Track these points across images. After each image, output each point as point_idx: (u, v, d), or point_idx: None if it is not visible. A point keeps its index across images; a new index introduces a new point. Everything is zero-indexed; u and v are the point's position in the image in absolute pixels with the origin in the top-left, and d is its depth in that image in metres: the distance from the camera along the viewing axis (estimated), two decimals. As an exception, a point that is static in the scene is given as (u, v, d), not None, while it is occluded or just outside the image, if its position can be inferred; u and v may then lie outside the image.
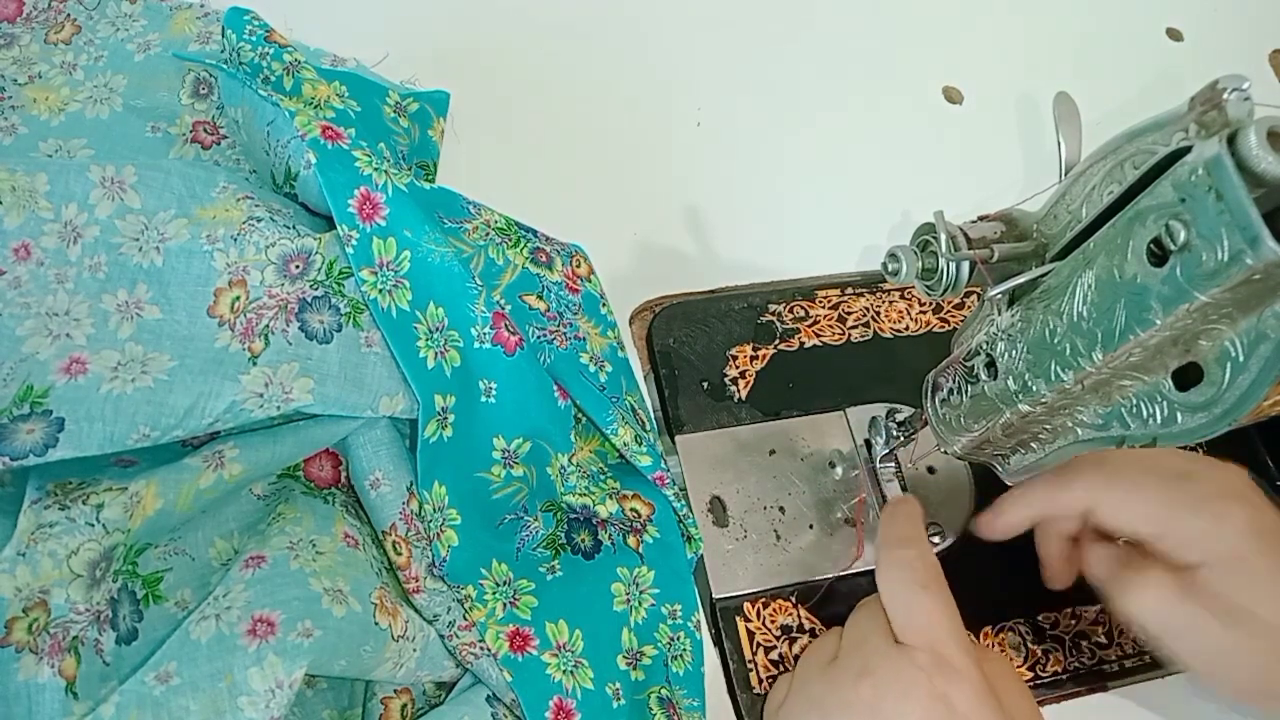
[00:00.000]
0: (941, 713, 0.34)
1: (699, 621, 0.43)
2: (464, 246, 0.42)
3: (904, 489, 0.47)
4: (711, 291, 0.52)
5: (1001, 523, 0.42)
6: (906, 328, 0.53)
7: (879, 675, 0.36)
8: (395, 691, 0.39)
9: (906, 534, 0.40)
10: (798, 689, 0.40)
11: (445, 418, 0.40)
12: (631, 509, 0.43)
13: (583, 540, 0.43)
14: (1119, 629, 0.47)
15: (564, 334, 0.43)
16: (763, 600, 0.44)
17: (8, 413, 0.32)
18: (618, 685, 0.40)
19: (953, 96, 0.63)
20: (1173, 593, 0.37)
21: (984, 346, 0.36)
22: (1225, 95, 0.26)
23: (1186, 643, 0.37)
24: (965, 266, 0.33)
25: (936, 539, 0.46)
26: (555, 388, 0.42)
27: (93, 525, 0.32)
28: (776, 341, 0.51)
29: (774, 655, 0.43)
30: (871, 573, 0.45)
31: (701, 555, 0.44)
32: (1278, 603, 0.35)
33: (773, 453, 0.48)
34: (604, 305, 0.48)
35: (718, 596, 0.44)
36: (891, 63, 0.63)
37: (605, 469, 0.45)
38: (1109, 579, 0.40)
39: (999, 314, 0.35)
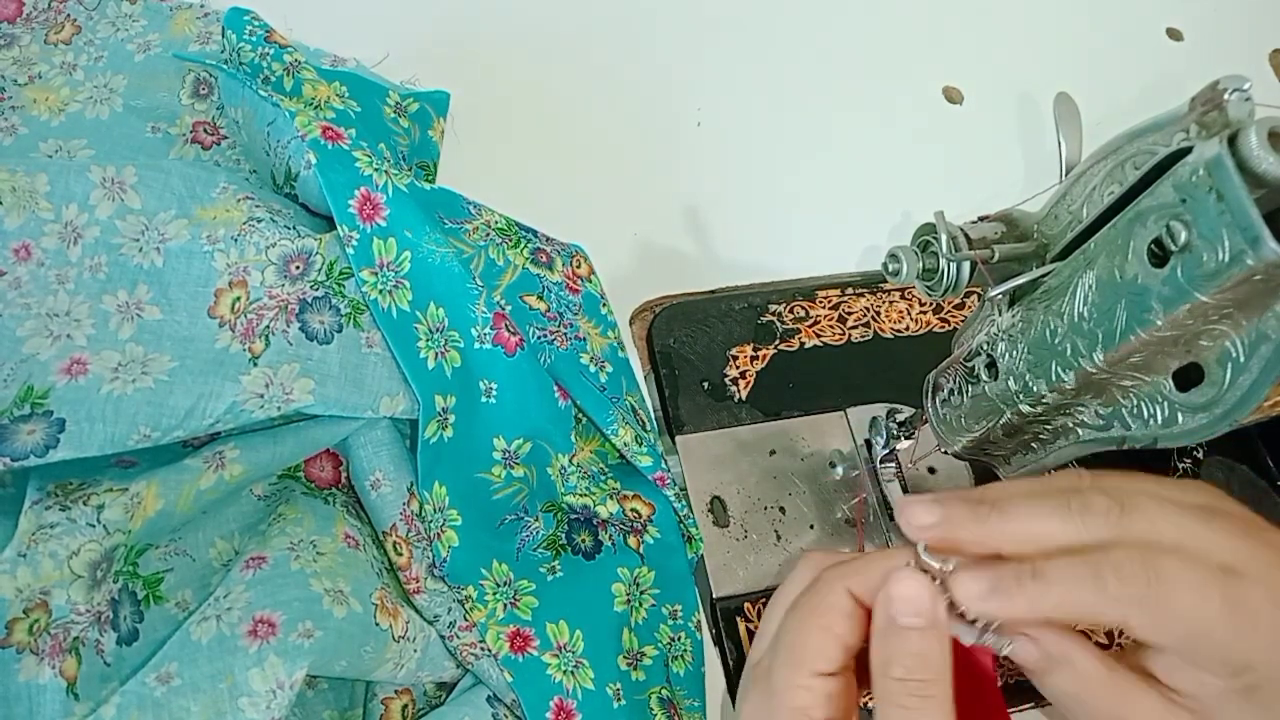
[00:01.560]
0: None
1: (699, 622, 0.43)
2: (464, 247, 0.42)
3: (904, 489, 0.47)
4: (711, 291, 0.52)
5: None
6: (907, 328, 0.53)
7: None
8: (396, 692, 0.39)
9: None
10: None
11: (446, 418, 0.40)
12: (632, 509, 0.43)
13: (583, 540, 0.43)
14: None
15: (564, 334, 0.43)
16: (763, 600, 0.44)
17: (8, 413, 0.32)
18: (618, 685, 0.40)
19: (953, 96, 0.63)
20: (1111, 680, 0.29)
21: (985, 347, 0.36)
22: (1226, 95, 0.26)
23: None
24: (966, 267, 0.33)
25: None
26: (556, 388, 0.42)
27: (93, 526, 0.32)
28: (777, 341, 0.51)
29: (774, 655, 0.43)
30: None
31: (702, 555, 0.44)
32: None
33: (773, 453, 0.48)
34: (604, 305, 0.48)
35: (718, 597, 0.44)
36: (891, 63, 0.63)
37: (606, 469, 0.45)
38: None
39: (1000, 314, 0.35)
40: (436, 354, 0.40)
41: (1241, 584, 0.28)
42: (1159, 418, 0.30)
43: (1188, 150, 0.25)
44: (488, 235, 0.43)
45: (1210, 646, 0.28)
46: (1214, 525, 0.28)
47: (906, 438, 0.44)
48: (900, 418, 0.45)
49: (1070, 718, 0.31)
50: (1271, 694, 0.28)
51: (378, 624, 0.35)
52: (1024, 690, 0.45)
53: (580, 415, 0.44)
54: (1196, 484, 0.31)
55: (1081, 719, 0.31)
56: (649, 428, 0.46)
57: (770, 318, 0.51)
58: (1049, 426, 0.35)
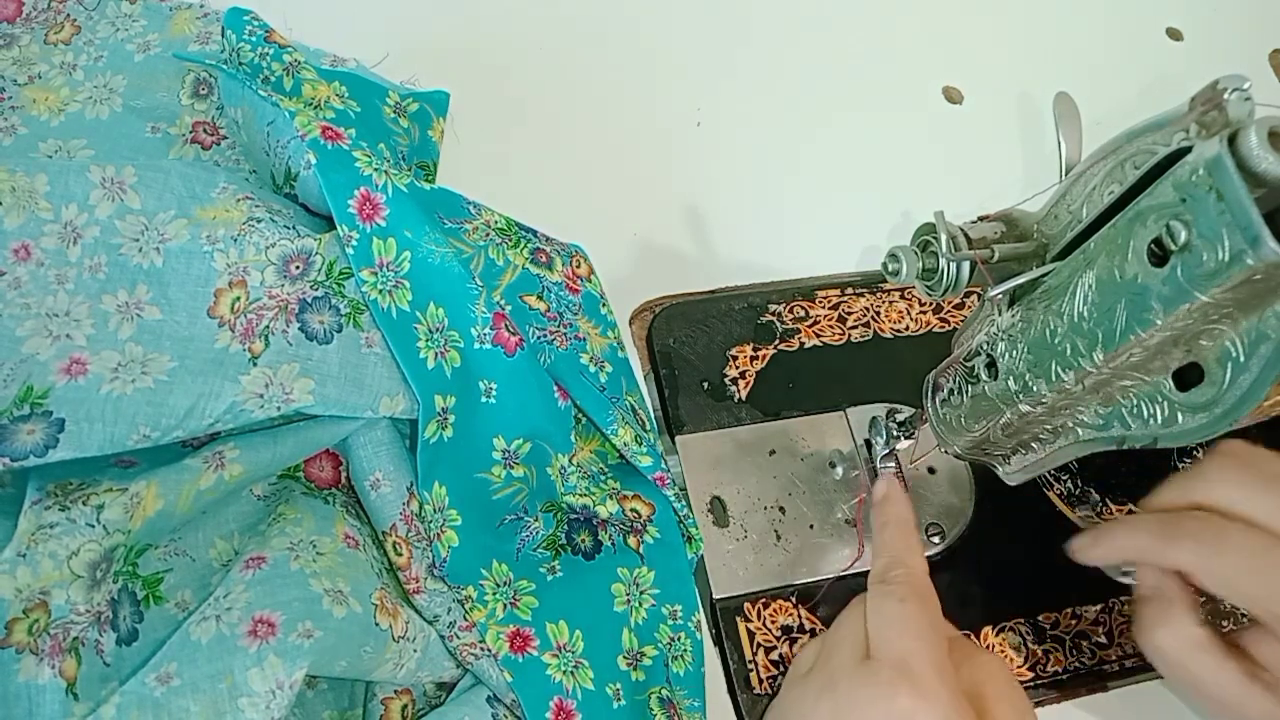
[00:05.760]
0: None
1: (699, 622, 0.43)
2: (464, 247, 0.42)
3: (905, 489, 0.46)
4: (711, 291, 0.52)
5: (1098, 555, 0.40)
6: (906, 328, 0.53)
7: (839, 691, 0.34)
8: (396, 692, 0.39)
9: (893, 544, 0.38)
10: (778, 699, 0.39)
11: (445, 418, 0.40)
12: (632, 509, 0.43)
13: (583, 541, 0.43)
14: (1119, 629, 0.47)
15: (564, 334, 0.43)
16: (763, 600, 0.44)
17: (8, 413, 0.32)
18: (618, 686, 0.40)
19: (953, 96, 0.63)
20: (1198, 644, 0.36)
21: (984, 347, 0.36)
22: (1225, 95, 0.26)
23: (1199, 694, 0.36)
24: (965, 267, 0.33)
25: (936, 539, 0.46)
26: (555, 388, 0.42)
27: (93, 526, 0.32)
28: (776, 341, 0.51)
29: (774, 655, 0.43)
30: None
31: (702, 555, 0.44)
32: None
33: (773, 453, 0.48)
34: (604, 305, 0.48)
35: (718, 597, 0.44)
36: (891, 63, 0.63)
37: (605, 469, 0.45)
38: (1139, 604, 0.38)
39: (999, 314, 0.35)
40: (436, 354, 0.40)
41: None
42: (1159, 417, 0.30)
43: (1187, 150, 0.25)
44: (487, 235, 0.43)
45: (1267, 606, 0.34)
46: None
47: (906, 438, 0.44)
48: (900, 418, 0.45)
49: (1165, 676, 0.38)
50: None
51: (377, 624, 0.35)
52: (1057, 685, 0.45)
53: (580, 415, 0.44)
54: None
55: (1175, 680, 0.37)
56: (649, 428, 0.46)
57: (770, 318, 0.51)
58: (1049, 426, 0.35)
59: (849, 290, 0.53)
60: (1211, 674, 0.35)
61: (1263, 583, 0.34)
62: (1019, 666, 0.45)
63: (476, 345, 0.41)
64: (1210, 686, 0.36)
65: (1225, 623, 0.45)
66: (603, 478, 0.44)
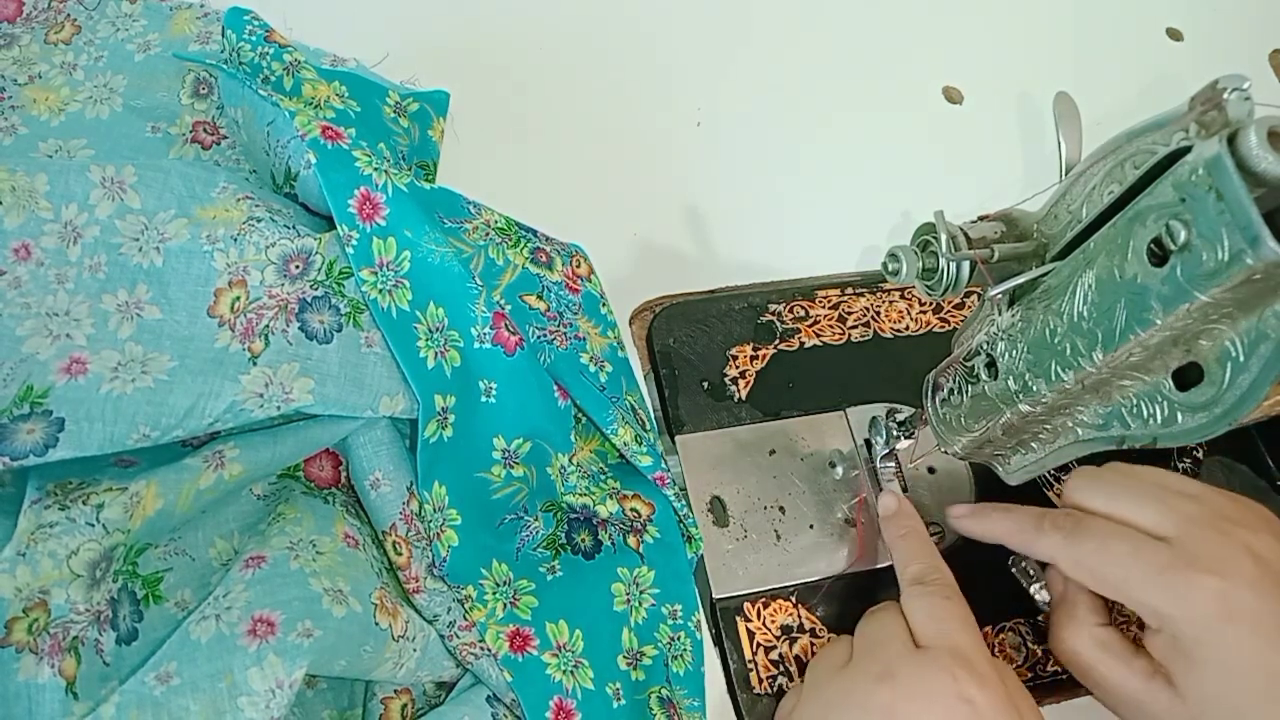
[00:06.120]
0: (965, 714, 0.34)
1: (699, 621, 0.43)
2: (464, 246, 0.42)
3: (904, 489, 0.47)
4: (711, 291, 0.52)
5: (972, 528, 0.43)
6: (906, 328, 0.53)
7: (900, 677, 0.35)
8: (395, 691, 0.39)
9: (921, 551, 0.41)
10: (809, 695, 0.39)
11: (445, 418, 0.40)
12: (632, 509, 0.43)
13: (583, 540, 0.43)
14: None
15: (564, 334, 0.43)
16: (763, 600, 0.44)
17: (8, 413, 0.32)
18: (618, 685, 0.40)
19: (953, 96, 0.63)
20: (1100, 643, 0.38)
21: (984, 346, 0.36)
22: (1225, 95, 0.26)
23: (1110, 695, 0.38)
24: (965, 266, 0.33)
25: (936, 539, 0.46)
26: (555, 388, 0.42)
27: (93, 525, 0.32)
28: (776, 341, 0.51)
29: (774, 655, 0.43)
30: (871, 573, 0.46)
31: (701, 555, 0.44)
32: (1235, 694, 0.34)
33: (773, 453, 0.48)
34: (604, 305, 0.48)
35: (718, 596, 0.44)
36: (891, 63, 0.63)
37: (605, 469, 0.45)
38: (1054, 602, 0.41)
39: (999, 314, 0.35)
40: (436, 354, 0.40)
41: (1157, 547, 0.35)
42: (1159, 417, 0.30)
43: (1187, 149, 0.25)
44: (487, 235, 0.43)
45: (1124, 592, 0.36)
46: (1168, 505, 0.36)
47: (906, 437, 0.44)
48: (900, 417, 0.45)
49: (1080, 680, 0.40)
50: (1190, 646, 0.34)
51: (377, 623, 0.35)
52: (1056, 686, 0.45)
53: (580, 415, 0.44)
54: (1195, 483, 0.38)
55: (1087, 683, 0.39)
56: (649, 427, 0.46)
57: (770, 318, 0.51)
58: (1049, 426, 0.35)
59: (849, 290, 0.53)
60: (1117, 673, 0.37)
61: (1116, 569, 0.36)
62: (1019, 666, 0.45)
63: (476, 345, 0.41)
64: (1116, 685, 0.37)
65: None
66: (603, 477, 0.44)
